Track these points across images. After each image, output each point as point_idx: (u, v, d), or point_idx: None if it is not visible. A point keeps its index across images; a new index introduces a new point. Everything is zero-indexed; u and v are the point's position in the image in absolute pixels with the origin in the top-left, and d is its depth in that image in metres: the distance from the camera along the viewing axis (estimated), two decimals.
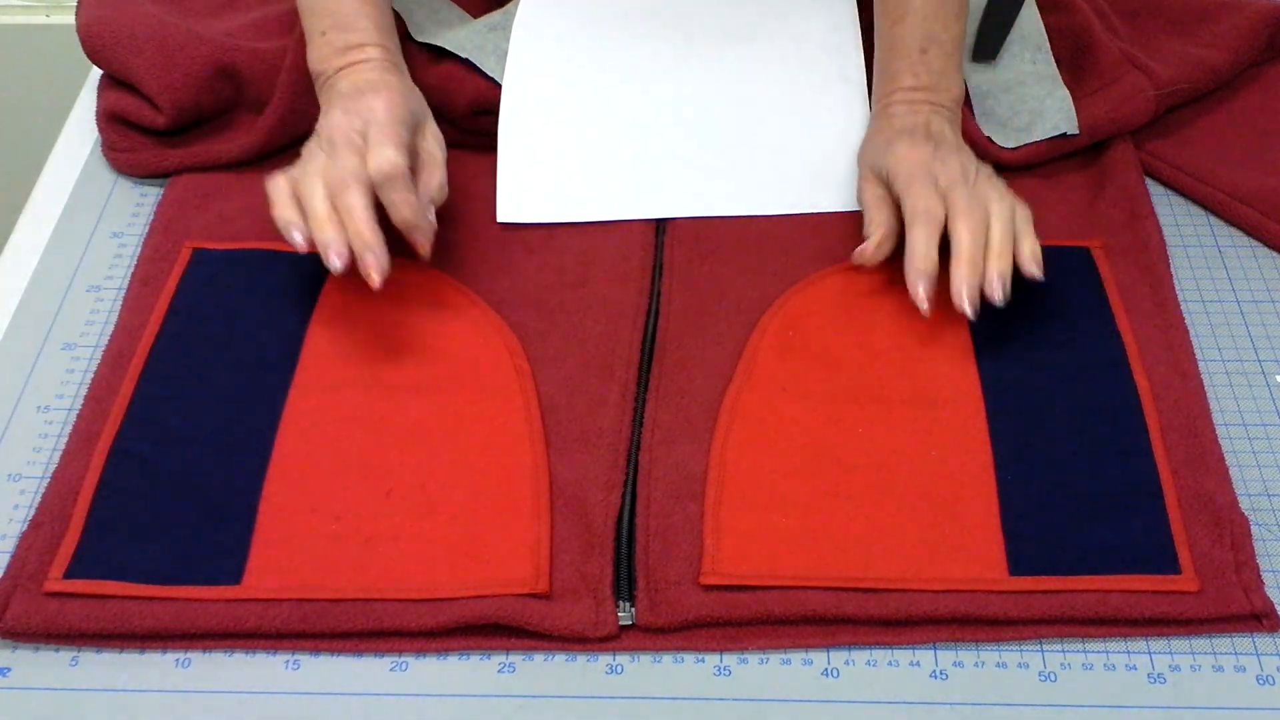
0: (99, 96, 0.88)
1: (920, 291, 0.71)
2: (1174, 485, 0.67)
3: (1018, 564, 0.64)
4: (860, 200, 0.79)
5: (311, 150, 0.74)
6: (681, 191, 0.83)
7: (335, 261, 0.69)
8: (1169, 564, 0.63)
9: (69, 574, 0.64)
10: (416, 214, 0.72)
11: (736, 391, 0.72)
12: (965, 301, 0.70)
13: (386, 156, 0.70)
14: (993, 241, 0.72)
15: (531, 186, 0.83)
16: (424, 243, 0.73)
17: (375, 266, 0.69)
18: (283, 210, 0.71)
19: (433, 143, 0.77)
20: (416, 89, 0.80)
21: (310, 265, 0.80)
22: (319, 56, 0.80)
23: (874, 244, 0.75)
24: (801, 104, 0.86)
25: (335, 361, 0.74)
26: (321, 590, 0.63)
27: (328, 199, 0.70)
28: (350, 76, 0.78)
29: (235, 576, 0.64)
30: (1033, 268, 0.72)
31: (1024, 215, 0.74)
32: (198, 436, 0.70)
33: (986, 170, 0.78)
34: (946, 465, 0.68)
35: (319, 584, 0.64)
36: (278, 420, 0.71)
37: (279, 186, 0.72)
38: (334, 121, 0.74)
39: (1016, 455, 0.68)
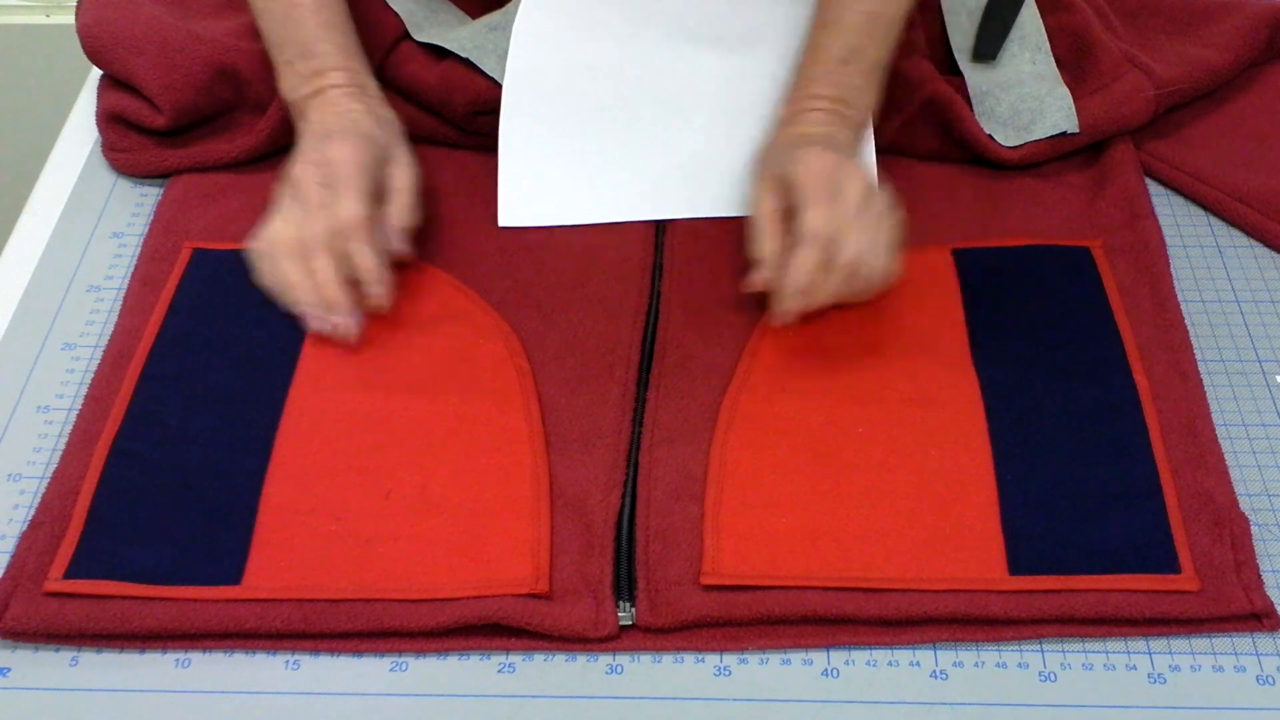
0: (99, 97, 0.88)
1: (787, 307, 0.71)
2: (1174, 485, 0.67)
3: (1017, 564, 0.64)
4: (752, 208, 0.75)
5: (285, 201, 0.76)
6: (681, 193, 0.83)
7: (312, 324, 0.74)
8: (1169, 563, 0.63)
9: (69, 574, 0.64)
10: (371, 268, 0.74)
11: (736, 391, 0.72)
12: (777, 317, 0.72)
13: (347, 210, 0.74)
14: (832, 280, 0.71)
15: (532, 190, 0.83)
16: (375, 295, 0.75)
17: (344, 326, 0.74)
18: (263, 277, 0.76)
19: (401, 168, 0.78)
20: (385, 111, 0.81)
21: None
22: (289, 86, 0.81)
23: (765, 277, 0.72)
24: None
25: (335, 362, 0.74)
26: (321, 590, 0.63)
27: (300, 264, 0.74)
28: (320, 107, 0.79)
29: (235, 577, 0.64)
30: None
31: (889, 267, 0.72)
32: (198, 437, 0.70)
33: (880, 204, 0.73)
34: (946, 465, 0.68)
35: (319, 584, 0.64)
36: (278, 420, 0.71)
37: (258, 253, 0.76)
38: (300, 172, 0.76)
39: (1016, 455, 0.68)
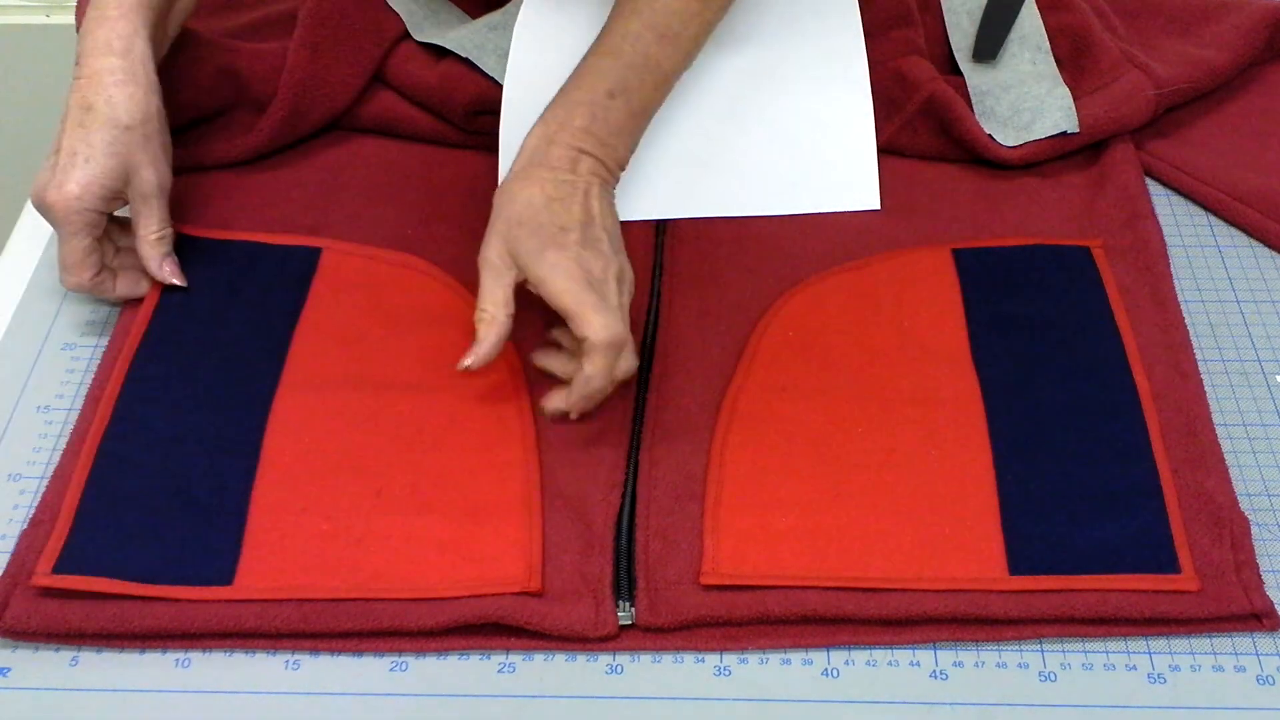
0: None
1: (554, 407, 0.69)
2: (1174, 485, 0.67)
3: (1017, 563, 0.64)
4: (484, 264, 0.70)
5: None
6: (682, 193, 0.83)
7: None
8: (1169, 563, 0.63)
9: (58, 569, 0.63)
10: (129, 290, 0.76)
11: (736, 391, 0.72)
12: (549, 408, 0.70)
13: (67, 282, 0.74)
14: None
15: None
16: (162, 272, 0.76)
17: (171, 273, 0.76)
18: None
19: (145, 182, 0.73)
20: (139, 100, 0.72)
21: (300, 260, 0.79)
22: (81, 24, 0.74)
23: (484, 354, 0.68)
24: (802, 105, 0.86)
25: (324, 358, 0.74)
26: (313, 590, 0.63)
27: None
28: (74, 96, 0.72)
29: (227, 577, 0.64)
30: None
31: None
32: (186, 435, 0.69)
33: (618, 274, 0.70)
34: (946, 465, 0.68)
35: (311, 584, 0.63)
36: (265, 419, 0.70)
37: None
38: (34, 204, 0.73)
39: (1016, 455, 0.68)
